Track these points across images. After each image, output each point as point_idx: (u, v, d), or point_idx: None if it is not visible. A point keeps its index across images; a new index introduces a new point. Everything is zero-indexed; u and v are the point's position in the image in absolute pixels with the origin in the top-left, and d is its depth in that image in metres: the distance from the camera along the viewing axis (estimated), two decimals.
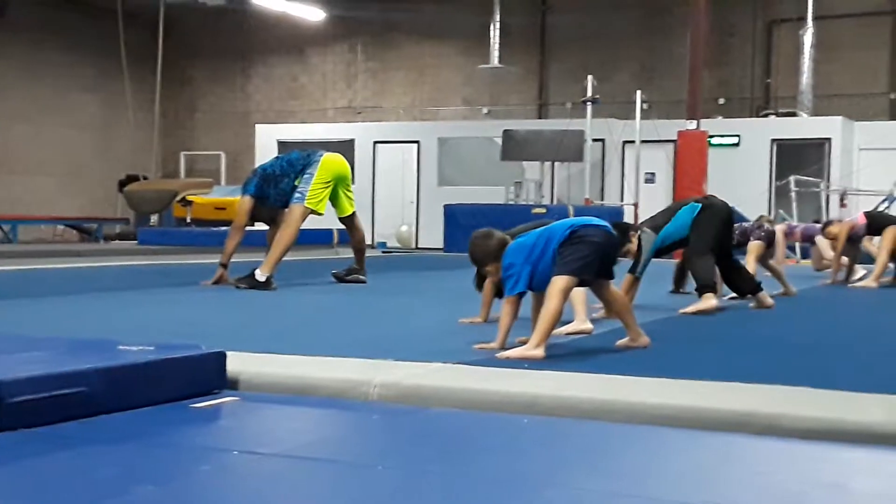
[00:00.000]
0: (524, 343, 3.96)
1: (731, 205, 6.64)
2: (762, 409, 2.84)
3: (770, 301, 6.39)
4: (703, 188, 15.45)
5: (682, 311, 5.88)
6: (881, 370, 3.90)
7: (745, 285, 6.45)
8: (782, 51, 20.80)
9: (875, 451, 2.53)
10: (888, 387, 3.16)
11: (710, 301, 5.90)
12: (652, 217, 6.44)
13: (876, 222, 9.11)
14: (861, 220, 9.13)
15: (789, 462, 2.45)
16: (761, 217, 9.68)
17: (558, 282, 3.97)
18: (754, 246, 7.70)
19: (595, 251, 4.05)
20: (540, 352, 3.83)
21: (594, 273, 4.10)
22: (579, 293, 4.65)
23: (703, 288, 5.98)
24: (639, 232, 5.99)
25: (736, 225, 7.83)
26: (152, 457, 2.40)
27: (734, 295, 6.67)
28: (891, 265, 8.92)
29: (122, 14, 19.95)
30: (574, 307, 4.69)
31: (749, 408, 2.86)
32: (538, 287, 4.12)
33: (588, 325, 4.69)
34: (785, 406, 2.87)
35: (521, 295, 4.13)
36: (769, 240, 7.91)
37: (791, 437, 2.69)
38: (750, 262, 7.44)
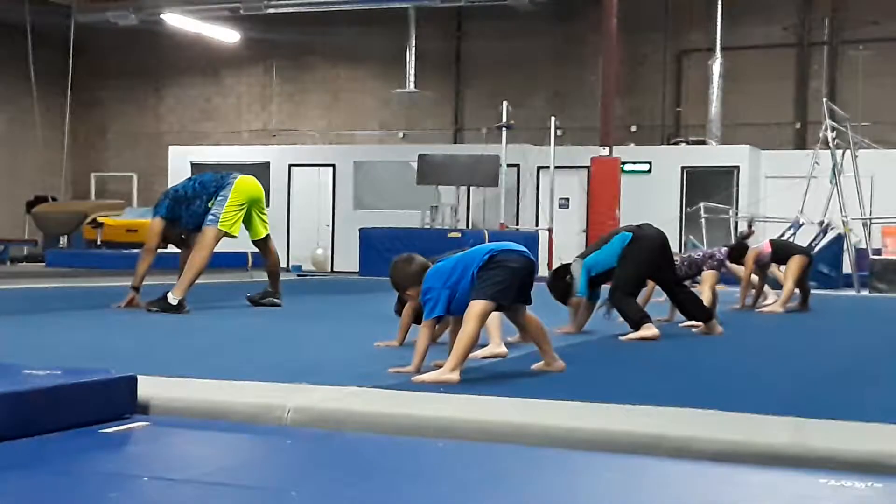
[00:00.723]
0: (440, 367, 3.96)
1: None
2: (672, 432, 2.88)
3: (720, 329, 6.32)
4: (615, 214, 15.69)
5: (622, 338, 5.84)
6: (787, 393, 3.99)
7: (697, 312, 6.37)
8: (692, 80, 21.25)
9: (781, 473, 2.59)
10: (793, 409, 3.24)
11: (650, 329, 5.85)
12: (590, 245, 6.48)
13: (781, 251, 9.34)
14: (767, 248, 9.34)
15: (699, 484, 2.50)
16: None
17: (476, 306, 3.99)
18: (709, 275, 7.75)
19: (513, 276, 4.08)
20: (455, 375, 3.84)
21: (512, 298, 4.12)
22: (494, 317, 4.67)
23: (639, 322, 5.90)
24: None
25: (684, 255, 7.92)
26: (59, 484, 2.35)
27: (689, 322, 6.60)
28: (796, 291, 9.14)
29: (31, 33, 19.60)
30: (489, 331, 4.70)
31: (660, 431, 2.90)
32: (457, 311, 4.13)
33: (503, 349, 4.72)
34: (695, 429, 2.92)
35: (438, 319, 4.13)
36: (721, 267, 8.02)
37: (701, 459, 2.74)
38: (705, 292, 7.27)
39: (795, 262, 8.99)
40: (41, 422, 2.82)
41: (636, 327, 5.90)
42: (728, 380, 4.40)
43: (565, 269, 6.28)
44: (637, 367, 4.87)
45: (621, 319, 6.31)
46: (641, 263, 6.12)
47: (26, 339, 5.42)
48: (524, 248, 4.24)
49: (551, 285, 6.26)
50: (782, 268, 9.48)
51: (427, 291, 4.12)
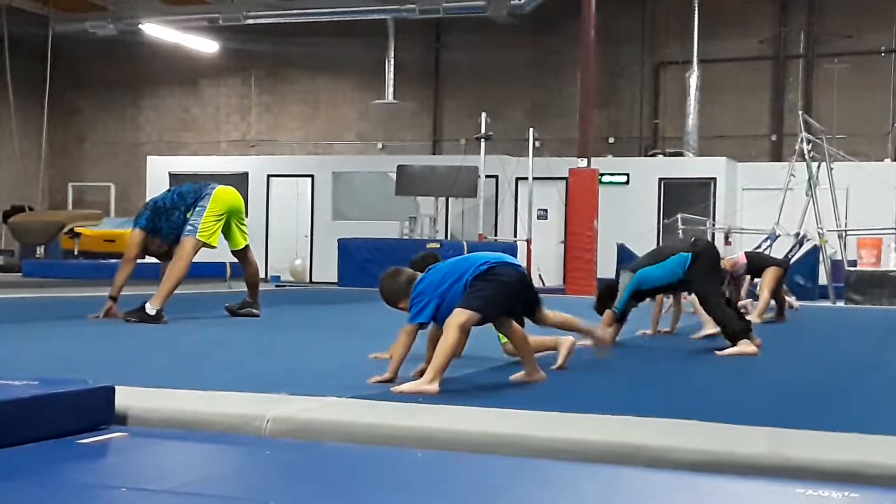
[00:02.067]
0: (422, 374, 3.95)
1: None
2: (651, 442, 2.89)
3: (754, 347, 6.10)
4: (593, 225, 15.74)
5: (718, 353, 5.78)
6: (764, 403, 4.01)
7: (734, 324, 6.17)
8: (669, 92, 21.37)
9: (759, 483, 2.60)
10: (771, 420, 3.26)
11: (749, 345, 5.81)
12: (639, 258, 6.41)
13: (755, 263, 9.37)
14: (742, 260, 9.38)
15: (677, 494, 2.51)
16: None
17: (460, 315, 3.92)
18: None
19: (505, 291, 4.05)
20: (434, 386, 3.82)
21: (498, 312, 4.10)
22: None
23: (739, 335, 5.87)
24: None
25: None
26: (37, 495, 2.33)
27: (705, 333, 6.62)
28: (772, 302, 9.18)
29: (8, 42, 19.50)
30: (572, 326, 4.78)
31: (638, 441, 2.91)
32: (444, 319, 4.11)
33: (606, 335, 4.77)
34: (673, 439, 2.93)
35: (421, 325, 4.08)
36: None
37: (679, 469, 2.75)
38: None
39: (770, 273, 9.03)
40: (18, 432, 2.80)
41: (735, 340, 5.86)
42: (706, 390, 4.42)
43: (612, 290, 6.22)
44: (616, 377, 4.89)
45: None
46: (715, 276, 6.15)
47: (2, 350, 5.38)
48: (517, 262, 4.24)
49: (598, 308, 6.28)
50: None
51: (416, 297, 4.07)
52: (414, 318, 4.05)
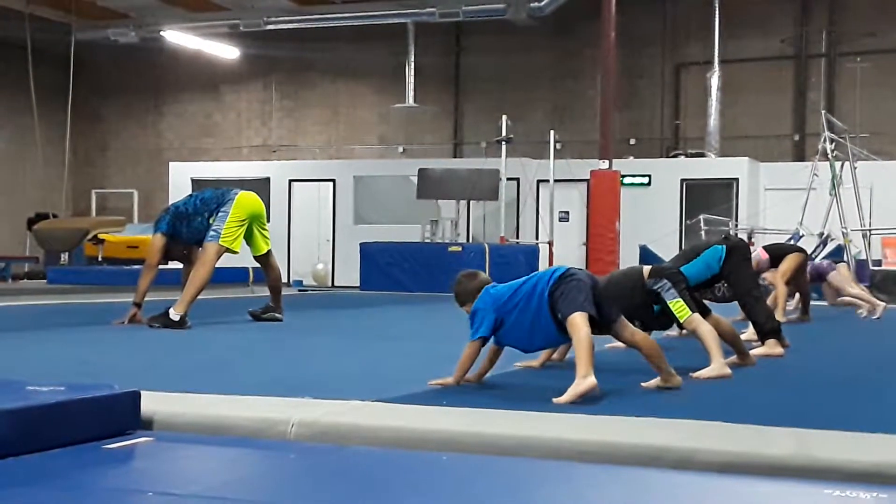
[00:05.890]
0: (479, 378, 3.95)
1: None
2: (677, 444, 2.88)
3: (780, 349, 6.07)
4: (615, 227, 15.70)
5: (752, 352, 5.68)
6: (791, 404, 3.98)
7: (768, 322, 6.15)
8: (690, 93, 21.28)
9: (786, 484, 2.59)
10: (798, 420, 3.24)
11: (776, 347, 5.80)
12: (672, 259, 6.38)
13: (776, 254, 9.10)
14: (763, 255, 9.17)
15: (703, 496, 2.49)
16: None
17: (575, 318, 3.93)
18: None
19: (587, 290, 4.05)
20: (591, 380, 3.77)
21: (593, 311, 4.05)
22: (712, 335, 4.79)
23: (770, 333, 5.86)
24: None
25: None
26: (63, 499, 2.35)
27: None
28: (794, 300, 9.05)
29: (31, 50, 19.65)
30: (710, 350, 4.77)
31: (664, 443, 2.90)
32: (507, 342, 4.18)
33: (727, 370, 4.72)
34: (699, 440, 2.92)
35: (483, 339, 4.11)
36: None
37: (706, 470, 2.74)
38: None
39: (787, 261, 8.75)
40: (45, 437, 2.82)
41: (764, 339, 5.86)
42: (731, 391, 4.40)
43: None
44: (640, 378, 4.86)
45: None
46: (750, 270, 6.14)
47: (29, 356, 5.42)
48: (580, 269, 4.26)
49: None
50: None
51: (475, 312, 4.13)
52: (474, 333, 4.10)
